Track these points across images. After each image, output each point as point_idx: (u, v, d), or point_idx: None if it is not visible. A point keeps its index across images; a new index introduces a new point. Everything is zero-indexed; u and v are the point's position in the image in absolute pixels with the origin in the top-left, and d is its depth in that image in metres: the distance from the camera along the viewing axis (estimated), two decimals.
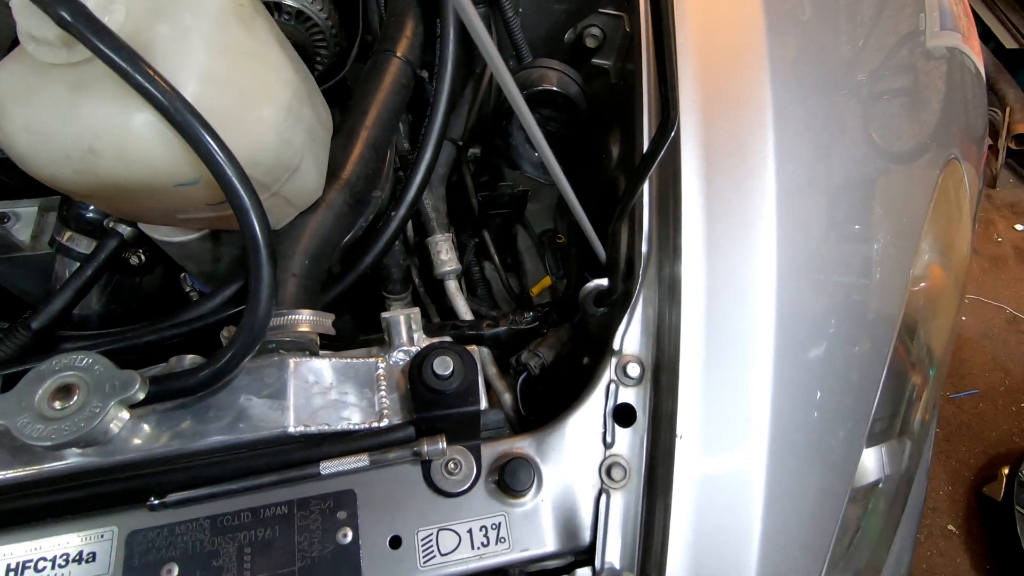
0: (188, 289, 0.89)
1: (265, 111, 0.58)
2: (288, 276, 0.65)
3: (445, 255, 0.90)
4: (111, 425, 0.51)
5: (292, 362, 0.59)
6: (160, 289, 0.94)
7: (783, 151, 0.67)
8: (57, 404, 0.49)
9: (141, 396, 0.50)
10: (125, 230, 0.79)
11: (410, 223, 0.98)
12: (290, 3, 0.92)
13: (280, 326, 0.61)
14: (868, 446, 0.65)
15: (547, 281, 0.99)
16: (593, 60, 0.93)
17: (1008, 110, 2.79)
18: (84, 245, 0.82)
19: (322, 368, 0.61)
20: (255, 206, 0.52)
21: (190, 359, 0.59)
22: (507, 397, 0.84)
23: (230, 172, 0.50)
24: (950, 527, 1.92)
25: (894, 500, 0.71)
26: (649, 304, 0.68)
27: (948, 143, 0.86)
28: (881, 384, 0.65)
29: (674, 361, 0.62)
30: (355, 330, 1.18)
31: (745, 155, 0.66)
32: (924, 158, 0.79)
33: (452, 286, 0.90)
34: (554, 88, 0.88)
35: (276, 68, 0.60)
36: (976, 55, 0.99)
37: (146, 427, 0.55)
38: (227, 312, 0.72)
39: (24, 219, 0.86)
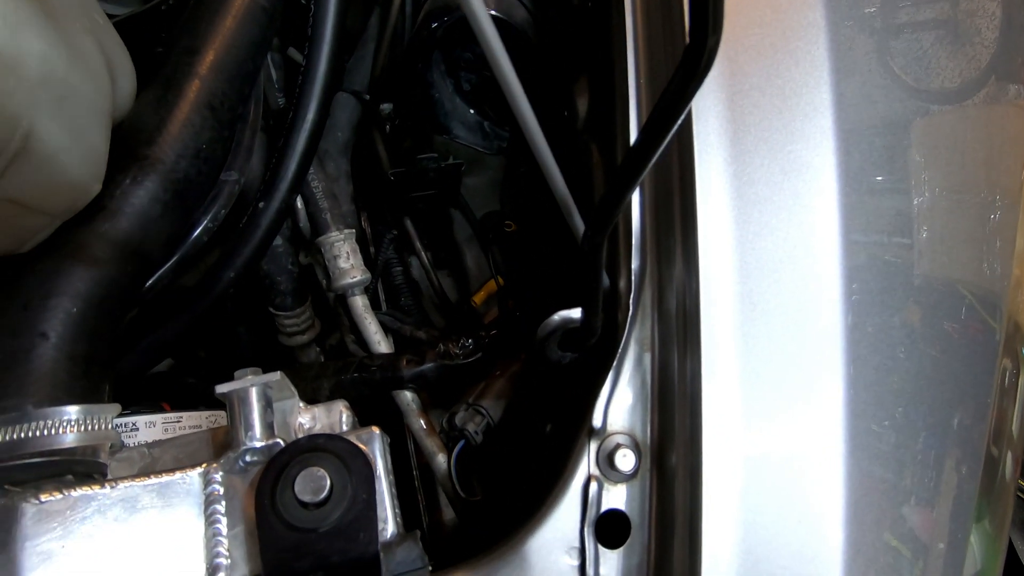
0: None
1: None
2: (33, 340, 0.37)
3: (345, 261, 0.63)
4: None
5: (28, 508, 0.33)
6: None
7: (846, 95, 0.43)
8: None
9: None
10: None
11: (302, 209, 0.70)
12: None
13: (13, 442, 0.34)
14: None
15: (493, 285, 0.74)
16: None
17: None
18: None
19: (97, 504, 0.35)
20: None
21: None
22: (441, 460, 0.60)
23: None
24: None
25: (999, 519, 0.52)
26: (644, 349, 0.44)
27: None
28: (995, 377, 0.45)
29: (694, 438, 0.40)
30: (252, 346, 0.91)
31: (793, 103, 0.42)
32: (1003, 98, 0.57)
33: (358, 304, 0.64)
34: (491, 12, 0.60)
35: None
36: None
37: None
38: None
39: None
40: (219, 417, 0.61)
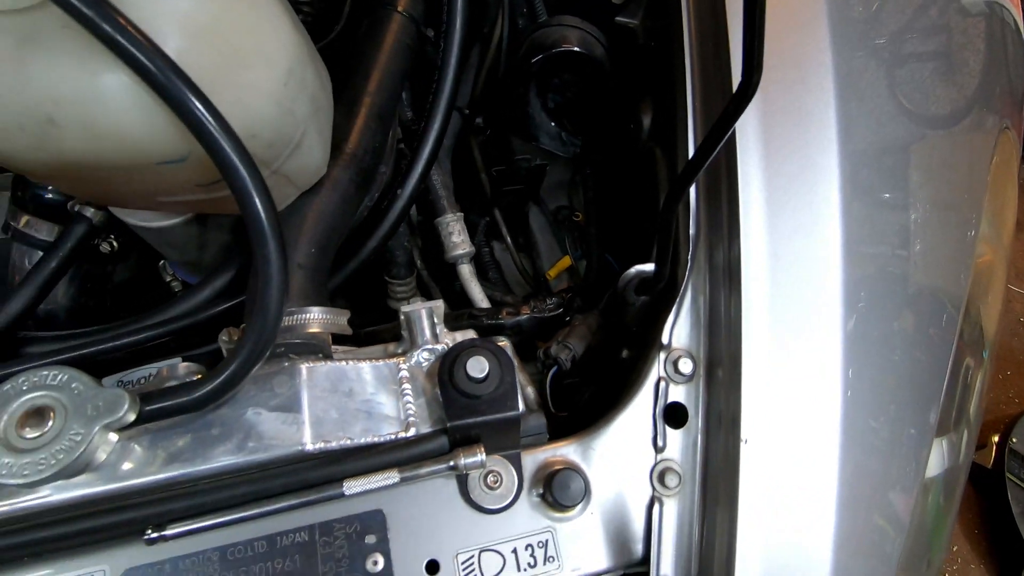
0: (169, 279, 0.79)
1: (262, 73, 0.48)
2: (293, 268, 0.56)
3: (457, 236, 0.82)
4: (96, 453, 0.43)
5: (304, 368, 0.51)
6: (135, 278, 0.84)
7: (846, 115, 0.60)
8: (29, 432, 0.41)
9: (131, 418, 0.42)
10: (92, 213, 0.69)
11: None
12: None
13: (288, 327, 0.53)
14: (935, 437, 0.61)
15: (566, 262, 0.91)
16: (617, 18, 0.84)
17: None
18: (45, 231, 0.71)
19: (338, 373, 0.53)
20: (258, 187, 0.44)
21: (184, 368, 0.51)
22: (530, 391, 0.78)
23: (227, 147, 0.41)
24: None
25: (951, 494, 0.67)
26: (698, 292, 0.61)
27: (998, 108, 0.80)
28: (948, 369, 0.61)
29: (735, 355, 0.56)
30: (354, 315, 1.09)
31: (807, 120, 0.59)
32: (983, 124, 0.74)
33: (466, 271, 0.82)
34: (576, 49, 0.79)
35: (273, 21, 0.50)
36: (1015, 7, 0.93)
37: (138, 450, 0.47)
38: (217, 308, 0.63)
39: None
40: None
